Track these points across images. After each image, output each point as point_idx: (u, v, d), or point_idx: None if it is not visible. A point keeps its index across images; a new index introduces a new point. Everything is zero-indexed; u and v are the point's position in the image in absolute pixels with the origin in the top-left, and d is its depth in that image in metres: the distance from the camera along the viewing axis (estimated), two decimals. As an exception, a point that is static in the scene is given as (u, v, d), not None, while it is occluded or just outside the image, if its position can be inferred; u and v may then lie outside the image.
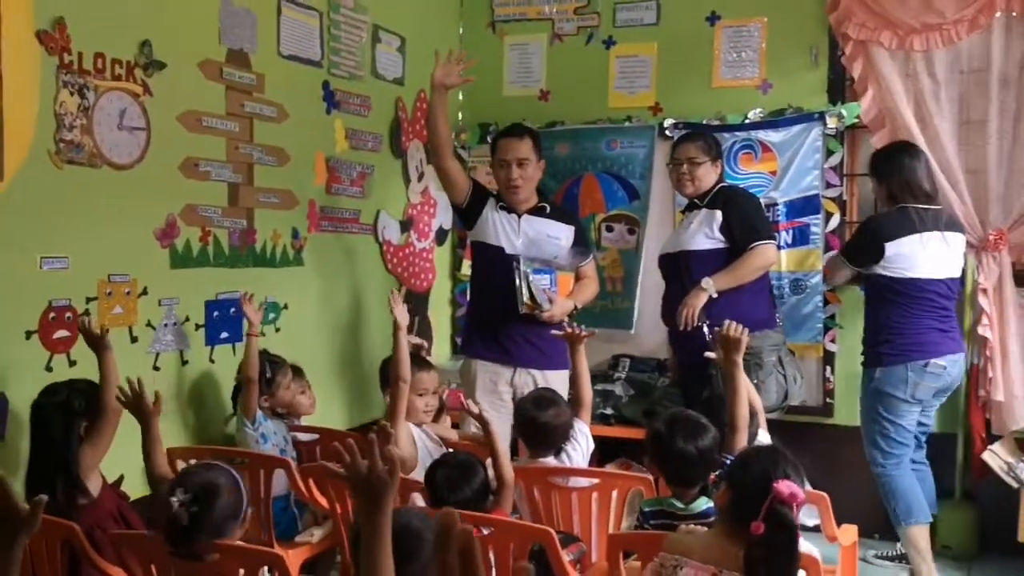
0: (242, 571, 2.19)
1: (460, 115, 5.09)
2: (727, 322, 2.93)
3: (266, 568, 2.21)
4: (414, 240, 4.76)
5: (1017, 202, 4.06)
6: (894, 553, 4.05)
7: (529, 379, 3.71)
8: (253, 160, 3.64)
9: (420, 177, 4.79)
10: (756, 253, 3.69)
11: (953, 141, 4.11)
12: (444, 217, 4.99)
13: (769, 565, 2.00)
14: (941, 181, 4.03)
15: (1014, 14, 3.98)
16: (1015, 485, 3.77)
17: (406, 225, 4.69)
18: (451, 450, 3.32)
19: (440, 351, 4.98)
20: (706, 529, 2.29)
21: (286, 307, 3.84)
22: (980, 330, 4.00)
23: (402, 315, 3.36)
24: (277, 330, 3.79)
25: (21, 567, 1.66)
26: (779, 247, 4.31)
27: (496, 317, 3.73)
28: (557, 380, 3.67)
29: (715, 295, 3.67)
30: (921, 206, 3.75)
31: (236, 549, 2.23)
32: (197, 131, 3.37)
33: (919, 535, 3.75)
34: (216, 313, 3.49)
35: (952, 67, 4.12)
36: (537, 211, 3.81)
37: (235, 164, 3.56)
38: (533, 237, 3.76)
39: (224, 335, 3.53)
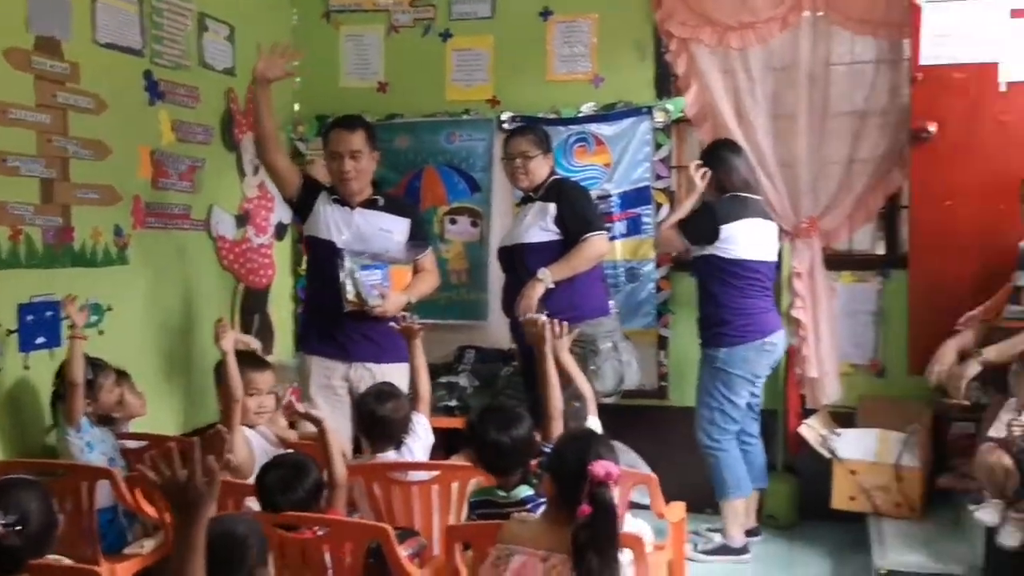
0: (55, 590, 2.08)
1: (296, 107, 4.98)
2: (539, 317, 3.05)
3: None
4: (251, 235, 4.63)
5: (825, 192, 4.32)
6: (713, 546, 4.24)
7: (366, 373, 3.67)
8: (68, 154, 3.45)
9: (256, 170, 4.64)
10: (589, 244, 3.79)
11: (768, 135, 4.34)
12: (283, 212, 4.86)
13: (595, 543, 2.07)
14: (758, 173, 4.25)
15: (820, 14, 4.23)
16: (828, 456, 4.02)
17: (242, 220, 4.56)
18: (289, 451, 3.25)
19: (282, 349, 4.87)
20: (537, 516, 2.34)
21: (110, 309, 3.65)
22: (794, 312, 4.25)
23: (228, 343, 3.20)
24: (101, 333, 3.60)
25: None
26: (613, 237, 4.47)
27: (330, 312, 3.67)
28: (394, 373, 3.65)
29: (552, 285, 3.75)
30: (745, 195, 3.97)
31: (49, 568, 2.11)
32: (3, 124, 3.16)
33: (739, 506, 4.02)
34: (30, 317, 3.29)
35: (766, 64, 4.34)
36: (370, 204, 3.76)
37: (48, 158, 3.35)
38: (365, 230, 3.71)
39: (40, 340, 3.33)
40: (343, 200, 3.74)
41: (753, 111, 4.33)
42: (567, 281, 3.78)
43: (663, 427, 4.49)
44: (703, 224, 3.95)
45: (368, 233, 3.70)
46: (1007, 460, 3.22)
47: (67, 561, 2.29)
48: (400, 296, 3.70)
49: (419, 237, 3.87)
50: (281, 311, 4.91)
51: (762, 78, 4.33)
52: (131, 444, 3.42)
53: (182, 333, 4.13)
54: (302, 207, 3.80)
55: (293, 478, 2.59)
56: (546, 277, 3.75)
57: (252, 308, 4.65)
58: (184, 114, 4.12)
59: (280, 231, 4.87)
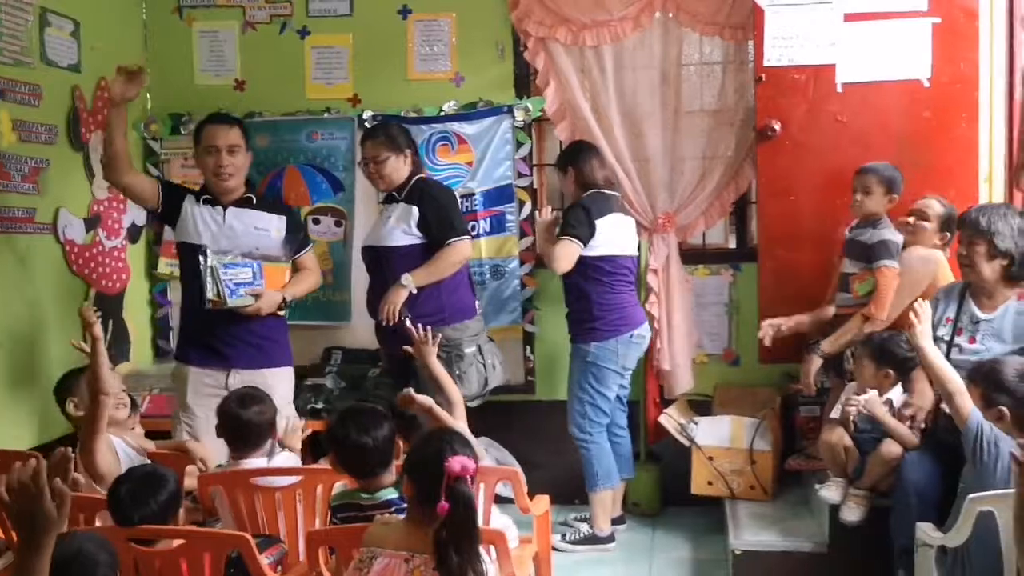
0: None
1: (148, 104, 4.80)
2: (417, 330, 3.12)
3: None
4: (102, 239, 4.44)
5: (680, 188, 4.48)
6: (581, 536, 4.35)
7: (247, 380, 3.54)
8: None
9: (106, 171, 4.46)
10: (452, 250, 3.79)
11: (624, 133, 4.45)
12: (137, 213, 4.69)
13: (455, 540, 2.10)
14: (616, 169, 4.36)
15: (670, 15, 4.37)
16: (687, 443, 4.18)
17: (92, 223, 4.36)
18: (148, 461, 3.15)
19: (140, 355, 4.71)
20: (400, 518, 2.35)
21: (-54, 319, 3.45)
22: (649, 307, 4.38)
23: (98, 329, 3.13)
24: (-64, 345, 3.40)
25: None
26: (477, 235, 4.52)
27: (207, 319, 3.57)
28: (278, 378, 3.59)
29: (415, 291, 3.75)
30: (607, 191, 4.08)
31: None
32: None
33: (607, 497, 4.12)
34: None
35: (620, 63, 4.44)
36: (243, 202, 3.67)
37: None
38: (240, 229, 3.62)
39: None
40: (214, 200, 3.63)
41: (609, 109, 4.44)
42: (432, 285, 3.78)
43: (531, 422, 4.58)
44: (585, 220, 3.96)
45: (241, 232, 3.61)
46: (847, 439, 3.44)
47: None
48: (274, 294, 3.61)
49: (295, 233, 3.79)
50: (137, 316, 4.73)
51: (617, 77, 4.43)
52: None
53: (29, 342, 3.93)
54: (169, 215, 3.69)
55: (147, 489, 2.49)
56: (409, 283, 3.74)
57: (105, 314, 4.44)
58: (26, 113, 3.91)
59: (134, 233, 4.70)
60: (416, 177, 3.92)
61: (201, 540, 2.47)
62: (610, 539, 4.13)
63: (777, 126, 4.11)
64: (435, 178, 4.27)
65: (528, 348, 4.67)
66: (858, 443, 3.42)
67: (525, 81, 4.62)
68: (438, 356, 3.57)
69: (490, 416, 4.09)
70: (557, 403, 4.34)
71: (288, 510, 2.92)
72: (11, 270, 3.82)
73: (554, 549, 4.04)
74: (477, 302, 4.10)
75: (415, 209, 3.80)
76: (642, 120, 4.44)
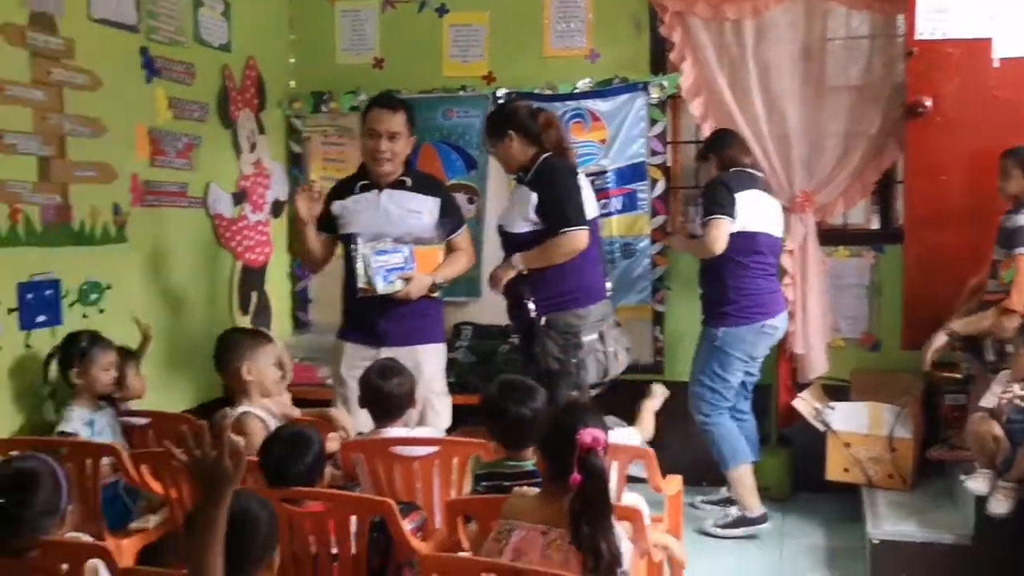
0: (65, 566, 2.10)
1: (292, 83, 4.97)
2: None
3: (100, 562, 2.14)
4: (248, 213, 4.63)
5: (820, 166, 4.34)
6: (718, 498, 4.31)
7: (399, 356, 3.49)
8: (65, 131, 3.44)
9: (252, 148, 4.65)
10: (564, 239, 3.60)
11: (763, 109, 4.33)
12: (280, 189, 4.88)
13: (587, 512, 2.11)
14: (753, 146, 4.26)
15: (817, -12, 4.23)
16: (822, 428, 4.07)
17: (239, 197, 4.56)
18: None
19: (280, 326, 4.89)
20: (537, 491, 2.37)
21: (109, 287, 3.67)
22: (784, 289, 4.25)
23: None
24: (101, 311, 3.62)
25: None
26: (608, 214, 4.53)
27: (363, 302, 3.62)
28: (427, 354, 3.63)
29: (525, 272, 3.69)
30: (750, 170, 4.01)
31: (59, 544, 2.14)
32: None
33: (745, 473, 4.02)
34: (30, 296, 3.30)
35: (761, 38, 4.32)
36: (398, 185, 3.67)
37: (44, 136, 3.35)
38: (394, 212, 3.63)
39: (41, 319, 3.34)
40: (370, 184, 3.68)
41: (748, 85, 4.33)
42: (556, 267, 3.64)
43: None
44: (725, 194, 3.87)
45: (395, 214, 3.62)
46: (997, 430, 3.28)
47: (86, 538, 2.31)
48: (425, 278, 3.59)
49: (449, 215, 3.75)
50: (278, 289, 4.92)
51: (757, 52, 4.32)
52: (136, 421, 3.44)
53: (181, 310, 4.15)
54: (332, 229, 3.76)
55: (295, 451, 2.59)
56: (518, 263, 3.69)
57: (250, 286, 4.67)
58: (180, 91, 4.11)
59: (276, 208, 4.88)
60: (543, 157, 3.73)
61: (347, 503, 2.56)
62: (762, 519, 4.01)
63: (928, 102, 3.94)
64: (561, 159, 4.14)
65: (657, 328, 4.64)
66: (1009, 434, 3.26)
67: (661, 57, 4.55)
68: (554, 344, 3.63)
69: (617, 395, 4.08)
70: (685, 384, 4.28)
71: (425, 480, 3.00)
72: (166, 242, 4.03)
73: (705, 534, 4.05)
74: (608, 283, 4.00)
75: (534, 195, 3.66)
76: (782, 96, 4.32)
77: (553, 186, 3.64)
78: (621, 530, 2.26)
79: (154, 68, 3.92)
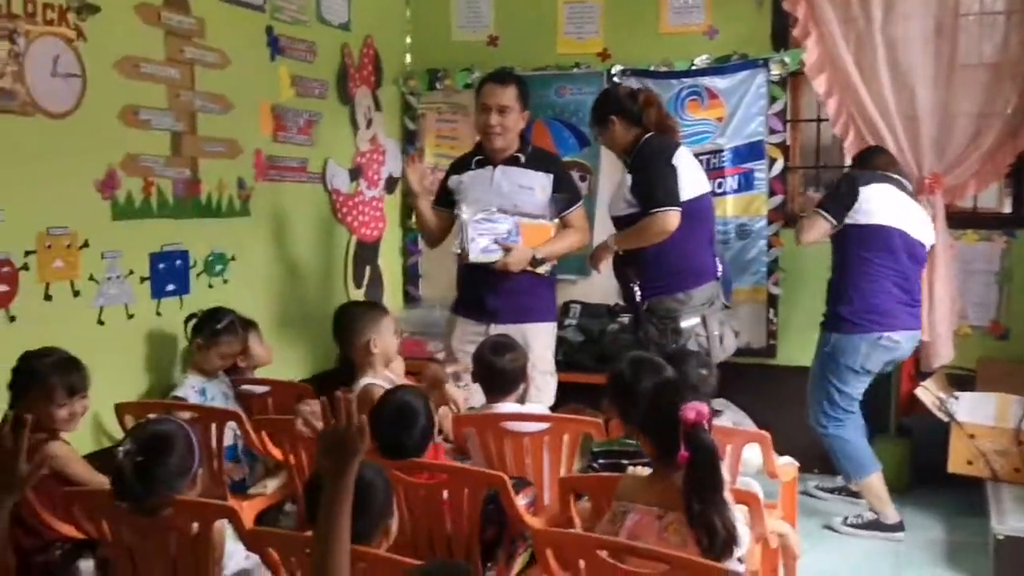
0: (196, 525, 2.20)
1: (408, 60, 5.02)
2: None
3: (227, 521, 2.22)
4: (363, 188, 4.72)
5: (950, 147, 4.15)
6: (834, 485, 4.20)
7: (508, 332, 3.55)
8: (196, 108, 3.57)
9: (368, 124, 4.73)
10: (653, 220, 3.50)
11: (891, 87, 4.16)
12: (393, 165, 4.95)
13: (698, 488, 2.07)
14: (879, 126, 4.10)
15: (951, -40, 4.02)
16: (945, 419, 3.91)
17: (355, 173, 4.65)
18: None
19: (392, 300, 4.98)
20: (649, 473, 2.34)
21: (233, 259, 3.80)
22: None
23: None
24: (225, 282, 3.76)
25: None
26: (723, 193, 4.45)
27: (475, 275, 3.66)
28: (536, 332, 3.63)
29: (620, 252, 3.67)
30: (891, 174, 3.84)
31: (190, 503, 2.23)
32: (135, 78, 3.29)
33: (874, 483, 3.86)
34: (161, 265, 3.45)
35: (890, 12, 4.14)
36: (512, 161, 3.67)
37: (177, 112, 3.48)
38: (506, 188, 3.64)
39: (170, 288, 3.49)
40: (485, 159, 3.70)
41: (875, 62, 4.16)
42: (660, 248, 3.54)
43: (771, 386, 4.42)
44: (842, 191, 3.74)
45: (507, 190, 3.63)
46: None
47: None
48: (525, 250, 3.58)
49: (563, 191, 3.71)
50: (391, 264, 5.01)
51: (885, 27, 4.14)
52: (257, 389, 3.55)
53: (300, 282, 4.26)
54: (448, 201, 3.79)
55: (403, 421, 2.60)
56: (613, 244, 3.68)
57: (363, 260, 4.76)
58: (302, 69, 4.20)
59: (390, 184, 4.95)
60: (644, 138, 3.63)
61: (462, 476, 2.59)
62: (898, 527, 3.84)
63: (1070, 81, 3.72)
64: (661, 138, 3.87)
65: (772, 311, 4.53)
66: None
67: (783, 33, 4.42)
68: (654, 330, 3.59)
69: (728, 378, 4.00)
70: (799, 369, 4.18)
71: (535, 456, 3.01)
72: (286, 215, 4.15)
73: (829, 529, 3.94)
74: (719, 263, 3.85)
75: (630, 177, 3.62)
76: (910, 73, 4.14)
77: (645, 166, 3.57)
78: (738, 513, 2.22)
79: (278, 46, 4.02)
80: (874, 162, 3.89)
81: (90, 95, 3.09)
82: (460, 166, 3.79)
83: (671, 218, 3.48)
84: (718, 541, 2.04)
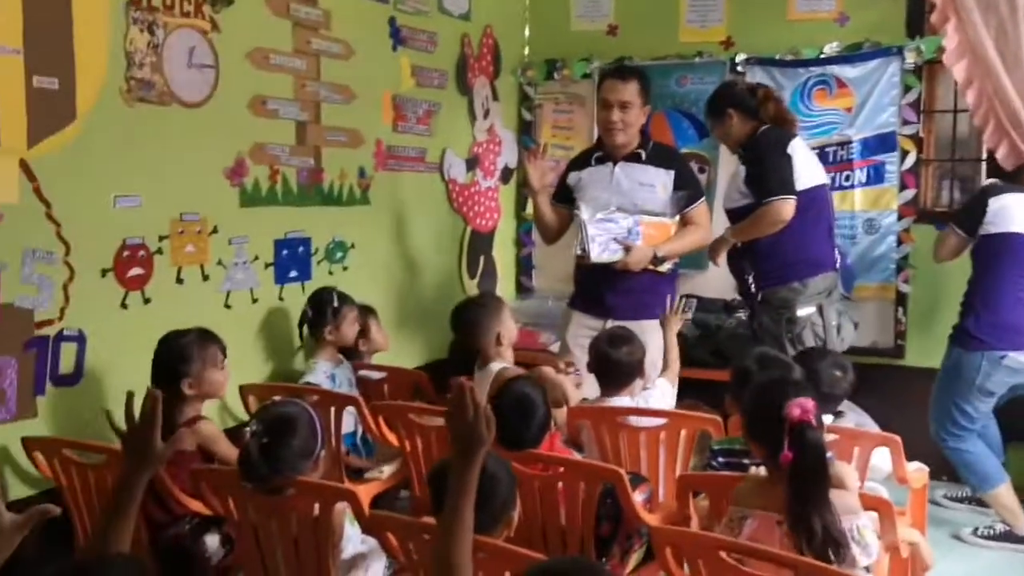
0: (317, 506, 2.24)
1: (527, 50, 5.01)
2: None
3: (347, 504, 2.26)
4: (479, 179, 4.74)
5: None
6: (963, 494, 4.00)
7: None
8: (320, 98, 3.64)
9: (486, 115, 4.75)
10: (767, 210, 3.48)
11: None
12: (509, 155, 4.95)
13: (803, 489, 2.00)
14: (1023, 117, 3.86)
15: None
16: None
17: (472, 163, 4.67)
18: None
19: (505, 291, 4.98)
20: (764, 476, 2.26)
21: (353, 246, 3.87)
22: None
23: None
24: (345, 269, 3.83)
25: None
26: (852, 186, 4.29)
27: (593, 270, 3.63)
28: (654, 330, 3.55)
29: (738, 245, 3.63)
30: None
31: (311, 485, 2.28)
32: (265, 68, 3.37)
33: (1002, 494, 3.68)
34: (285, 252, 3.53)
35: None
36: (632, 157, 3.62)
37: (302, 102, 3.56)
38: (626, 185, 3.59)
39: (293, 274, 3.57)
40: (605, 156, 3.66)
41: (1019, 50, 3.91)
42: (774, 238, 3.50)
43: (898, 388, 4.21)
44: (972, 204, 3.63)
45: (627, 187, 3.58)
46: None
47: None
48: (646, 249, 3.53)
49: (685, 188, 3.64)
50: (504, 255, 5.02)
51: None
52: (373, 375, 3.61)
53: (417, 271, 4.31)
54: (567, 197, 3.77)
55: (523, 411, 2.58)
56: (729, 236, 3.65)
57: (478, 250, 4.78)
58: (422, 59, 4.24)
59: (505, 175, 4.96)
60: (760, 130, 3.61)
61: (578, 469, 2.56)
62: None
63: None
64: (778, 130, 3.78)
65: (900, 309, 4.34)
66: None
67: (919, 19, 4.21)
68: (770, 320, 3.54)
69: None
70: (928, 371, 3.98)
71: (651, 451, 2.95)
72: (404, 204, 4.20)
73: (957, 539, 3.76)
74: (837, 253, 3.76)
75: (743, 169, 3.58)
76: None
77: (760, 157, 3.55)
78: (867, 520, 2.13)
79: (400, 37, 4.07)
80: (1021, 177, 3.70)
81: (222, 85, 3.19)
82: (580, 162, 3.76)
83: (786, 207, 3.46)
84: (815, 543, 1.96)
